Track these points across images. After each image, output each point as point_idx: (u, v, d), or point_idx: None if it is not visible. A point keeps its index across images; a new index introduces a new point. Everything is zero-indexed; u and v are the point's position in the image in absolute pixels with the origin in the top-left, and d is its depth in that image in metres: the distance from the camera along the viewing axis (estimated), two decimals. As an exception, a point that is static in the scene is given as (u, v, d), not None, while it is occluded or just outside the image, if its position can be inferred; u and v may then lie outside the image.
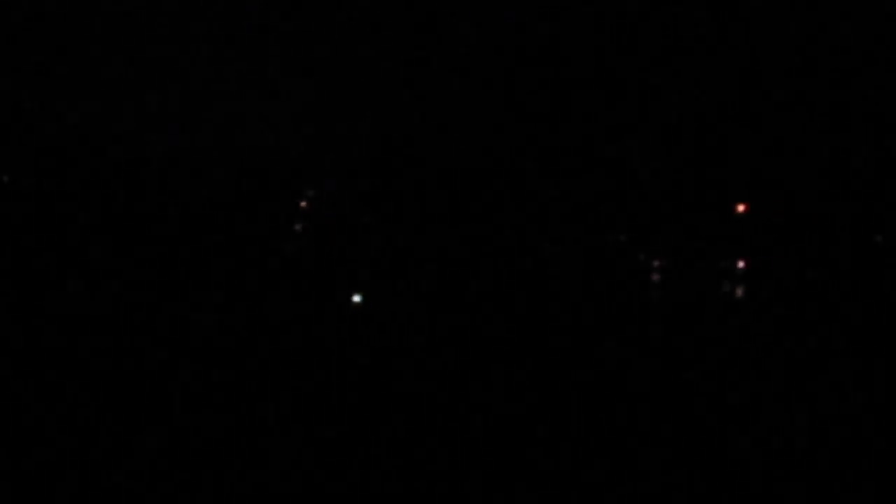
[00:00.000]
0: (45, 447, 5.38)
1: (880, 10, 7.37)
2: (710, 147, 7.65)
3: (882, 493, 5.29)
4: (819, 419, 6.07)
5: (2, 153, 7.70)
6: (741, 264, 7.43)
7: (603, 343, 7.06)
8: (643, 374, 6.71)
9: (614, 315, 7.37)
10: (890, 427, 5.92)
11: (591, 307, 7.34)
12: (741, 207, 7.49)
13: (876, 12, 7.40)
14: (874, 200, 7.48)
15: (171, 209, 7.58)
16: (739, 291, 7.43)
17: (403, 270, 7.37)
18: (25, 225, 7.42)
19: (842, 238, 7.51)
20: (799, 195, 7.58)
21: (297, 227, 7.40)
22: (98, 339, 6.72)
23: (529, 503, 5.17)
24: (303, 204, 7.42)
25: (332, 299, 7.22)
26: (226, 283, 7.30)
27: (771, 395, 6.47)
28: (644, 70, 7.68)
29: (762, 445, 5.82)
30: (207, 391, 6.25)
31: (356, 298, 7.14)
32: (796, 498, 5.29)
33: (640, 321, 7.37)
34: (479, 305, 7.23)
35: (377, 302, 7.20)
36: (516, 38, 7.59)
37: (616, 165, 7.70)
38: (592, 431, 5.95)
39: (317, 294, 7.24)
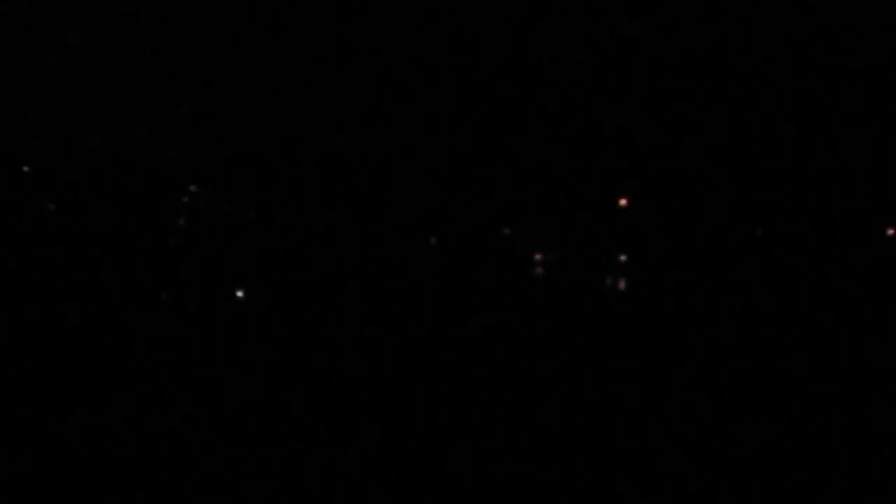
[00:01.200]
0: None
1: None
2: (602, 142, 7.75)
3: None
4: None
5: None
6: (623, 257, 7.56)
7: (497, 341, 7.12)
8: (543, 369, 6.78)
9: (500, 306, 7.45)
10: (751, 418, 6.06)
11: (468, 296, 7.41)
12: (623, 202, 7.61)
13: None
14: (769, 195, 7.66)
15: (54, 204, 7.47)
16: (622, 284, 7.56)
17: (289, 266, 7.37)
18: None
19: (729, 233, 7.67)
20: (686, 190, 7.72)
21: (181, 221, 7.36)
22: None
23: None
24: (185, 199, 7.38)
25: (218, 294, 7.19)
26: (112, 277, 7.23)
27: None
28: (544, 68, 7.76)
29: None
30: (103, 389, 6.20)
31: (239, 294, 7.11)
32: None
33: (528, 314, 7.45)
34: (366, 299, 7.26)
35: (263, 297, 7.19)
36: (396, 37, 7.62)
37: (508, 159, 7.77)
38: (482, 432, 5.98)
39: (202, 289, 7.20)
